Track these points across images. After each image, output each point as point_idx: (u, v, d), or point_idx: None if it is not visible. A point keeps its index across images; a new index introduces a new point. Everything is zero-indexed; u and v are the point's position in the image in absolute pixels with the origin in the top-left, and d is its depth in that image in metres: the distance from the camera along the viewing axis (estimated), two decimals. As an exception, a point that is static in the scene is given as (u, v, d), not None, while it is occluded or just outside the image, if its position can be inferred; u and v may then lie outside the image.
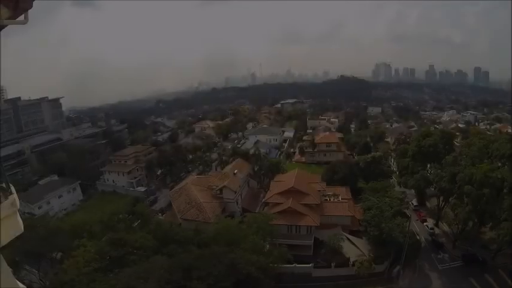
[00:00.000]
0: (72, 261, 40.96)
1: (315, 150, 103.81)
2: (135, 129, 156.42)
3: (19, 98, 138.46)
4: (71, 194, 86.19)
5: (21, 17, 4.83)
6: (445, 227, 62.64)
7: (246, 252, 40.48)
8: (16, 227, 4.60)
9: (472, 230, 54.98)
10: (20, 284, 4.47)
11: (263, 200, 66.42)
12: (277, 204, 56.80)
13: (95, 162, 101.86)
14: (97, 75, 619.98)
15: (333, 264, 50.75)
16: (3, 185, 4.97)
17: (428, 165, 67.34)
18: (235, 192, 65.28)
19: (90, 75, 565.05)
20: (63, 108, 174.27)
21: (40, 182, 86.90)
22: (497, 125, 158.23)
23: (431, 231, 62.94)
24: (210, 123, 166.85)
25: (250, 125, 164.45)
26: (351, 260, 50.46)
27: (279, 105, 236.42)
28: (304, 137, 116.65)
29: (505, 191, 45.77)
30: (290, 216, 54.14)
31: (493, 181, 46.18)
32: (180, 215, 60.40)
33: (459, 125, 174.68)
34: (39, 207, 74.95)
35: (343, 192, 64.03)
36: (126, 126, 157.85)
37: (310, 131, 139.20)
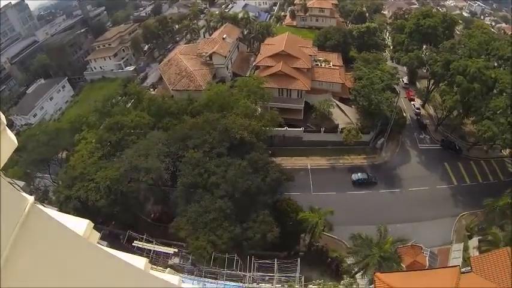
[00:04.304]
0: (76, 156, 42.88)
1: (307, 14, 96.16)
2: (115, 9, 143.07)
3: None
4: (62, 93, 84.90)
5: None
6: (431, 110, 63.49)
7: (238, 117, 40.52)
8: (8, 143, 4.35)
9: (455, 119, 56.55)
10: (27, 196, 4.28)
11: (253, 63, 64.23)
12: (268, 67, 54.72)
13: (78, 54, 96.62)
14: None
15: (322, 130, 52.04)
16: None
17: (424, 46, 66.30)
18: (225, 57, 62.93)
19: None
20: (32, 9, 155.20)
21: (28, 91, 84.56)
22: (503, 25, 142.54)
23: (417, 111, 63.65)
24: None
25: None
26: (339, 126, 51.53)
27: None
28: (296, 1, 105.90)
29: (495, 91, 47.09)
30: (281, 80, 52.86)
31: (485, 78, 46.50)
32: (172, 87, 59.93)
33: (463, 13, 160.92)
34: (34, 116, 74.89)
35: (334, 58, 61.48)
36: (105, 9, 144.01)
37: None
